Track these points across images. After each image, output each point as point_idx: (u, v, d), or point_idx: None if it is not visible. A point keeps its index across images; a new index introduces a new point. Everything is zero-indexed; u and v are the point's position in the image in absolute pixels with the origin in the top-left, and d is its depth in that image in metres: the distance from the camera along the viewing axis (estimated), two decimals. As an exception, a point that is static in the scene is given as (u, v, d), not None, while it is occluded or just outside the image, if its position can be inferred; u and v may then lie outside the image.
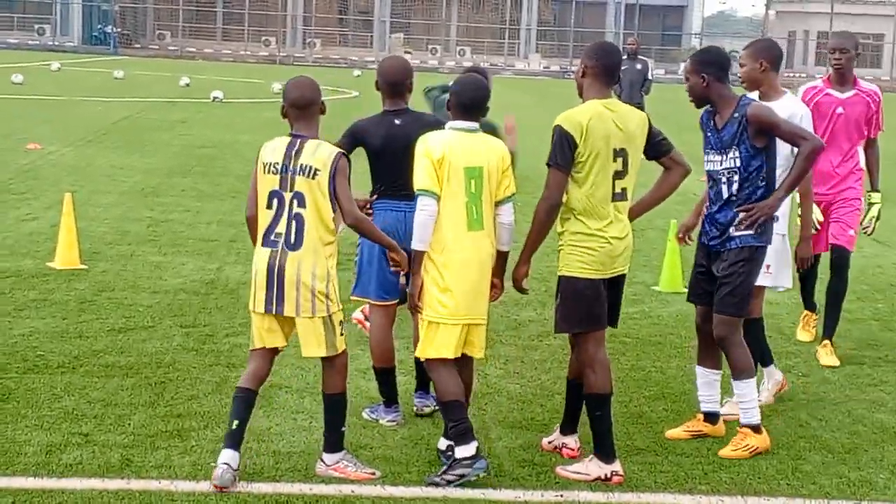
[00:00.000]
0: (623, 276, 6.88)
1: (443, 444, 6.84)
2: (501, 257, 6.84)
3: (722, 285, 7.21)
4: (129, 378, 8.16)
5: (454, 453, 6.56)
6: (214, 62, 62.24)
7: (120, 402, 7.66)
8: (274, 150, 6.48)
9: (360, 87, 40.45)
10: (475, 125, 6.78)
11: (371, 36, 75.82)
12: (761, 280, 7.66)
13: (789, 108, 7.88)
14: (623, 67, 23.52)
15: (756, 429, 7.23)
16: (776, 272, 7.94)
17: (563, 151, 6.59)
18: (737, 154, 7.16)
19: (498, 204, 6.73)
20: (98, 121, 26.42)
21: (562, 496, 6.48)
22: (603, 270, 6.71)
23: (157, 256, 12.34)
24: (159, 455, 6.76)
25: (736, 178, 7.18)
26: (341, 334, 6.55)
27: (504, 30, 76.87)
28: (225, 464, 6.34)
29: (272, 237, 6.45)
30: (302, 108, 6.50)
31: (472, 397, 7.19)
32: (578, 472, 6.73)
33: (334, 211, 6.44)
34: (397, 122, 7.38)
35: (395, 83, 7.43)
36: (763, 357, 8.20)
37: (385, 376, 7.55)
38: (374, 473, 6.58)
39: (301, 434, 7.18)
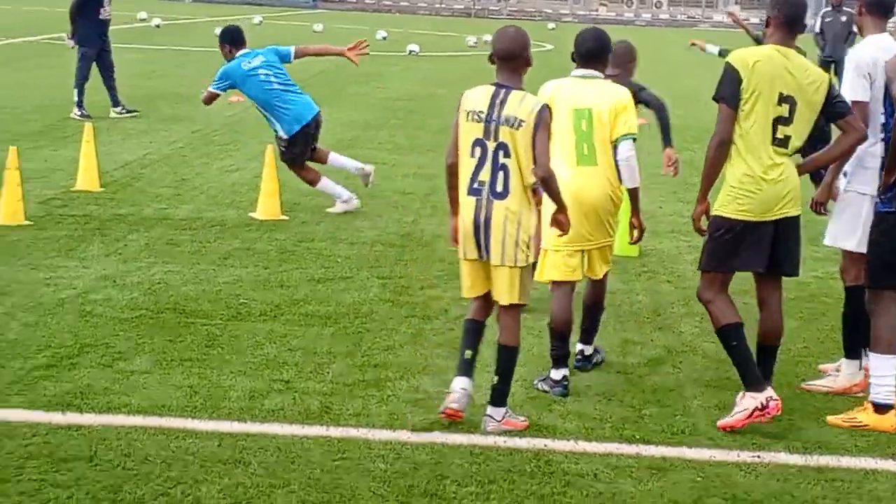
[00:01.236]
0: (793, 218, 6.74)
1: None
2: (632, 195, 7.30)
3: None
4: (328, 327, 8.35)
5: (549, 372, 7.25)
6: (410, 15, 62.68)
7: (319, 350, 7.85)
8: (478, 98, 6.51)
9: (554, 41, 40.23)
10: (593, 72, 7.34)
11: (566, -12, 75.09)
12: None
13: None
14: (827, 20, 23.22)
15: (879, 408, 6.83)
16: (836, 231, 7.30)
17: (730, 85, 6.64)
18: (884, 110, 6.91)
19: (614, 144, 7.15)
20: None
21: (759, 457, 6.39)
22: (762, 213, 6.65)
23: (354, 208, 12.54)
24: (357, 404, 6.91)
25: (883, 137, 6.91)
26: (528, 284, 6.63)
27: (702, -19, 75.23)
28: (462, 388, 6.56)
29: (475, 185, 6.49)
30: (505, 60, 6.54)
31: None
32: (736, 413, 6.69)
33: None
34: None
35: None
36: (852, 344, 7.41)
37: None
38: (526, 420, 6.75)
39: (495, 387, 7.23)
